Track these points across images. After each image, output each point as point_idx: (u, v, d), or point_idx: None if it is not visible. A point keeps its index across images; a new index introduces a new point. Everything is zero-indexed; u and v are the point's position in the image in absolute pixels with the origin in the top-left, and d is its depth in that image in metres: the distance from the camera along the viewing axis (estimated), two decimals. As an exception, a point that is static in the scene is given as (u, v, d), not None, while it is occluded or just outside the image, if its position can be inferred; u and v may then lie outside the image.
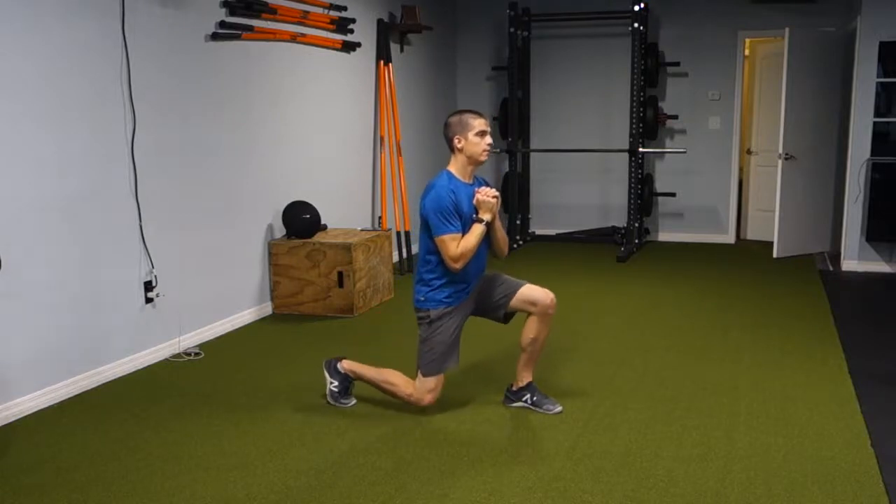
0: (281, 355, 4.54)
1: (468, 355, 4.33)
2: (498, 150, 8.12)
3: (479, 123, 3.41)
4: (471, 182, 3.49)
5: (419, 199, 3.52)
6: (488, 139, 3.43)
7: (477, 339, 4.50)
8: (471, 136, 3.40)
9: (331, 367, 3.73)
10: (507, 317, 3.61)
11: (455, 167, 3.47)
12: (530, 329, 3.54)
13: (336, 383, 3.71)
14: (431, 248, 3.43)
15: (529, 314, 3.53)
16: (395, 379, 3.59)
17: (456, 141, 3.42)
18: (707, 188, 8.26)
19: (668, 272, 6.81)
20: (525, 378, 3.65)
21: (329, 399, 3.73)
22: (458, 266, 3.37)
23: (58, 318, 3.82)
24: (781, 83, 7.07)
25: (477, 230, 3.39)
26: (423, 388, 3.50)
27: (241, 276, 5.18)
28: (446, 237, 3.35)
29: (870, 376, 4.08)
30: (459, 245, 3.35)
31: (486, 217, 3.40)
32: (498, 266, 3.64)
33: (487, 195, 3.39)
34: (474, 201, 3.42)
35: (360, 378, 3.69)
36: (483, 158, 3.44)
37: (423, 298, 3.48)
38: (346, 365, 3.71)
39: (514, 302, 3.53)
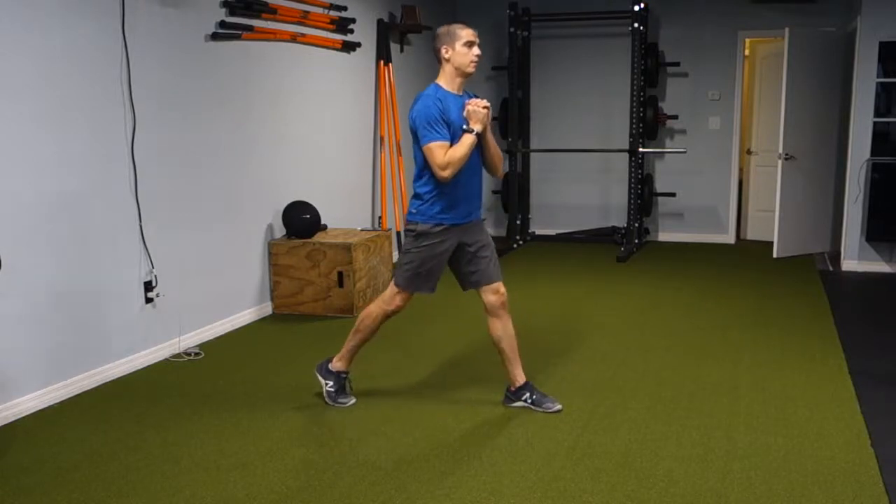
0: (281, 355, 4.54)
1: (468, 355, 4.34)
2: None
3: (466, 34, 3.37)
4: (460, 94, 3.45)
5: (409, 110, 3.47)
6: (476, 50, 3.38)
7: (476, 340, 4.50)
8: (458, 45, 3.36)
9: (322, 369, 3.75)
10: (467, 288, 3.63)
11: (443, 79, 3.42)
12: (492, 329, 3.57)
13: (331, 383, 3.71)
14: (423, 163, 3.40)
15: (486, 312, 3.56)
16: (366, 319, 3.62)
17: (443, 51, 3.38)
18: (707, 188, 8.26)
19: (668, 272, 6.81)
20: (519, 377, 3.65)
21: (327, 399, 3.73)
22: (446, 174, 3.31)
23: (58, 318, 3.82)
24: (781, 83, 7.07)
25: (466, 140, 3.34)
26: (391, 292, 3.55)
27: (241, 276, 5.18)
28: (433, 145, 3.30)
29: (870, 376, 4.08)
30: (447, 153, 3.31)
31: (477, 127, 3.34)
32: (503, 266, 3.63)
33: (477, 105, 3.34)
34: (464, 112, 3.36)
35: (351, 354, 3.71)
36: (471, 70, 3.39)
37: (414, 211, 3.47)
38: (335, 362, 3.72)
39: (480, 288, 3.54)
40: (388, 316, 3.62)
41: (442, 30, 3.42)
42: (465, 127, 3.36)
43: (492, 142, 3.48)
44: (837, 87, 7.31)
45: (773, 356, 4.43)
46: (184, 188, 4.61)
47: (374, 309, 3.63)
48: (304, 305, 5.40)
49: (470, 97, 3.46)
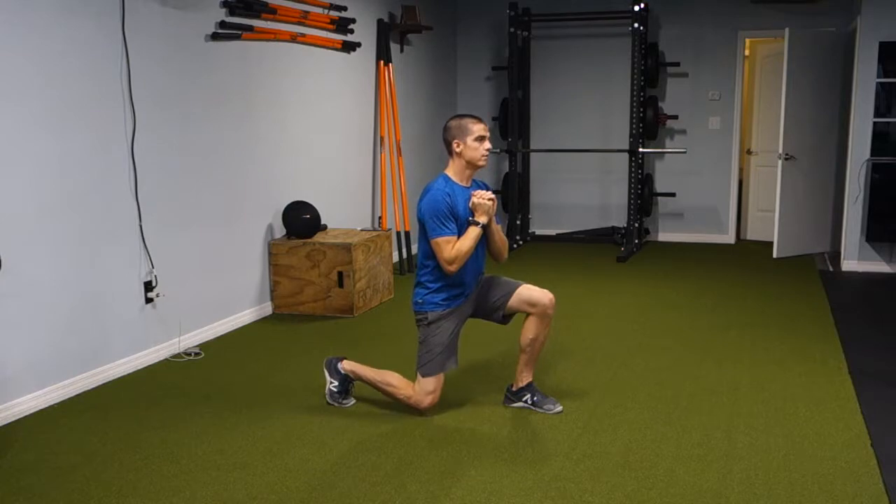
0: (281, 355, 4.54)
1: (468, 355, 4.33)
2: (498, 151, 8.12)
3: (478, 129, 3.42)
4: (468, 186, 3.50)
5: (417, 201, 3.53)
6: (487, 144, 3.44)
7: (477, 340, 4.50)
8: (469, 140, 3.40)
9: (331, 366, 3.73)
10: (507, 318, 3.61)
11: (453, 171, 3.48)
12: (529, 329, 3.54)
13: (336, 383, 3.71)
14: (429, 252, 3.45)
15: (528, 315, 3.53)
16: (394, 381, 3.59)
17: (455, 145, 3.43)
18: (707, 188, 8.26)
19: (668, 272, 6.81)
20: (525, 378, 3.65)
21: (328, 399, 3.73)
22: (452, 269, 3.37)
23: (58, 318, 3.82)
24: (781, 83, 7.07)
25: (472, 233, 3.40)
26: (422, 389, 3.50)
27: (241, 276, 5.18)
28: (441, 240, 3.36)
29: (870, 376, 4.08)
30: (454, 247, 3.36)
31: (482, 220, 3.40)
32: (497, 269, 3.64)
33: (483, 198, 3.40)
34: (470, 204, 3.42)
35: (360, 379, 3.69)
36: (481, 164, 3.45)
37: (420, 301, 3.50)
38: (346, 365, 3.71)
39: (513, 302, 3.53)
40: (415, 407, 3.54)
41: (453, 123, 3.46)
42: (470, 219, 3.42)
43: (497, 230, 3.54)
44: (837, 87, 7.31)
45: (773, 356, 4.43)
46: (184, 188, 4.61)
47: (403, 390, 3.54)
48: (304, 305, 5.40)
49: (478, 187, 3.52)
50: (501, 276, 3.66)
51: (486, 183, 3.64)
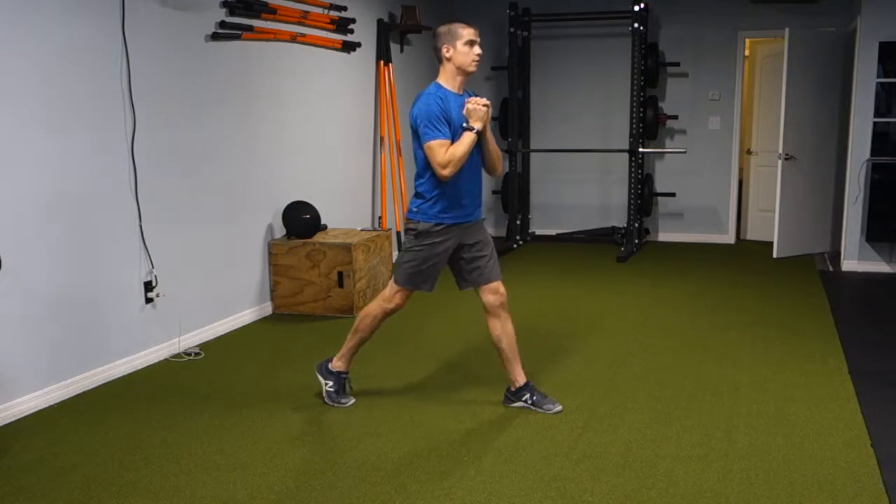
0: (281, 355, 4.54)
1: (467, 356, 4.34)
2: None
3: (468, 33, 3.38)
4: (461, 93, 3.45)
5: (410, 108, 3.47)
6: (477, 49, 3.39)
7: (476, 340, 4.50)
8: (459, 45, 3.36)
9: (322, 369, 3.75)
10: (464, 287, 3.63)
11: (444, 78, 3.42)
12: (491, 329, 3.57)
13: (331, 383, 3.71)
14: (425, 161, 3.40)
15: (486, 312, 3.56)
16: (366, 318, 3.62)
17: (444, 50, 3.38)
18: (707, 188, 8.26)
19: (668, 272, 6.81)
20: (519, 378, 3.64)
21: (327, 400, 3.73)
22: (446, 172, 3.31)
23: (58, 318, 3.82)
24: (781, 83, 7.07)
25: (467, 139, 3.33)
26: (391, 290, 3.56)
27: (241, 276, 5.18)
28: (434, 143, 3.30)
29: (870, 376, 4.08)
30: (448, 151, 3.31)
31: (477, 125, 3.34)
32: (502, 269, 3.63)
33: (478, 103, 3.34)
34: (464, 110, 3.36)
35: (350, 353, 3.71)
36: (472, 69, 3.40)
37: (415, 209, 3.47)
38: (335, 362, 3.72)
39: (479, 288, 3.54)
40: (387, 314, 3.62)
41: (443, 28, 3.42)
42: (465, 125, 3.36)
43: (491, 141, 3.48)
44: (837, 87, 7.31)
45: (773, 356, 4.43)
46: (184, 188, 4.61)
47: (374, 308, 3.63)
48: (304, 305, 5.40)
49: (470, 95, 3.46)
50: (495, 250, 3.60)
51: (475, 92, 3.55)
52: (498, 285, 3.55)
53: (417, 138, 3.38)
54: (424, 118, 3.31)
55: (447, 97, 3.37)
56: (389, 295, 3.58)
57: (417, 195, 3.47)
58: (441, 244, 3.46)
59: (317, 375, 3.77)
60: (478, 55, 3.40)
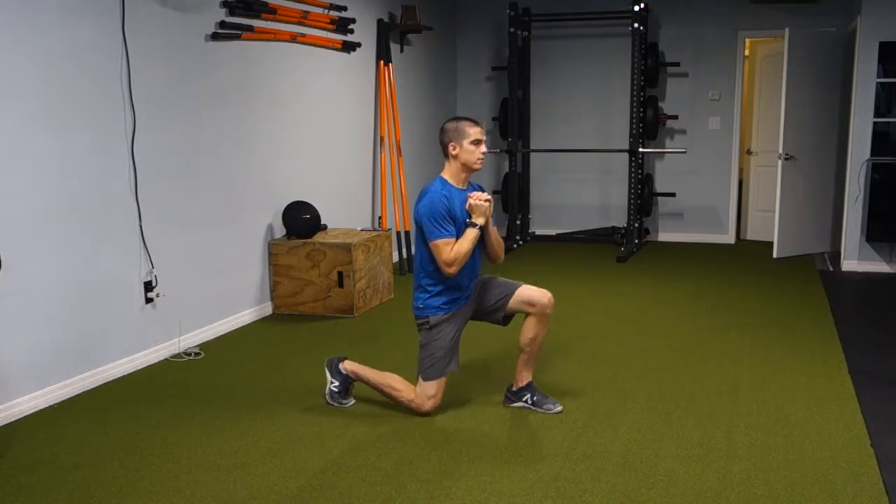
0: (281, 355, 4.54)
1: (468, 355, 4.33)
2: (498, 151, 8.14)
3: (475, 132, 3.42)
4: (465, 188, 3.50)
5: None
6: (483, 148, 3.45)
7: (477, 340, 4.50)
8: (466, 143, 3.41)
9: (333, 366, 3.73)
10: (507, 318, 3.61)
11: (449, 173, 3.48)
12: (528, 329, 3.54)
13: (337, 383, 3.71)
14: (427, 256, 3.45)
15: (527, 315, 3.54)
16: (396, 384, 3.59)
17: (451, 147, 3.44)
18: (707, 188, 8.26)
19: (668, 272, 6.81)
20: (525, 378, 3.65)
21: (328, 399, 3.73)
22: (451, 271, 3.38)
23: (58, 318, 3.82)
24: (781, 83, 7.07)
25: (470, 235, 3.40)
26: (423, 393, 3.51)
27: (241, 276, 5.18)
28: (440, 242, 3.37)
29: (870, 376, 4.08)
30: (453, 249, 3.36)
31: (479, 221, 3.42)
32: (495, 269, 3.64)
33: (479, 199, 3.41)
34: (466, 206, 3.43)
35: (361, 380, 3.69)
36: (477, 167, 3.46)
37: (421, 305, 3.50)
38: (348, 366, 3.71)
39: (512, 303, 3.53)
40: (417, 411, 3.55)
41: (450, 125, 3.46)
42: (468, 221, 3.43)
43: (494, 232, 3.55)
44: (837, 87, 7.31)
45: (773, 356, 4.43)
46: (184, 188, 4.61)
47: (405, 393, 3.55)
48: (304, 305, 5.40)
49: (474, 188, 3.53)
50: (499, 276, 3.66)
51: (481, 185, 3.65)
52: (530, 288, 3.52)
53: (422, 234, 3.44)
54: (430, 217, 3.38)
55: (451, 195, 3.43)
56: (428, 395, 3.49)
57: (421, 288, 3.50)
58: (454, 324, 3.51)
59: (325, 369, 3.76)
60: (483, 153, 3.45)
